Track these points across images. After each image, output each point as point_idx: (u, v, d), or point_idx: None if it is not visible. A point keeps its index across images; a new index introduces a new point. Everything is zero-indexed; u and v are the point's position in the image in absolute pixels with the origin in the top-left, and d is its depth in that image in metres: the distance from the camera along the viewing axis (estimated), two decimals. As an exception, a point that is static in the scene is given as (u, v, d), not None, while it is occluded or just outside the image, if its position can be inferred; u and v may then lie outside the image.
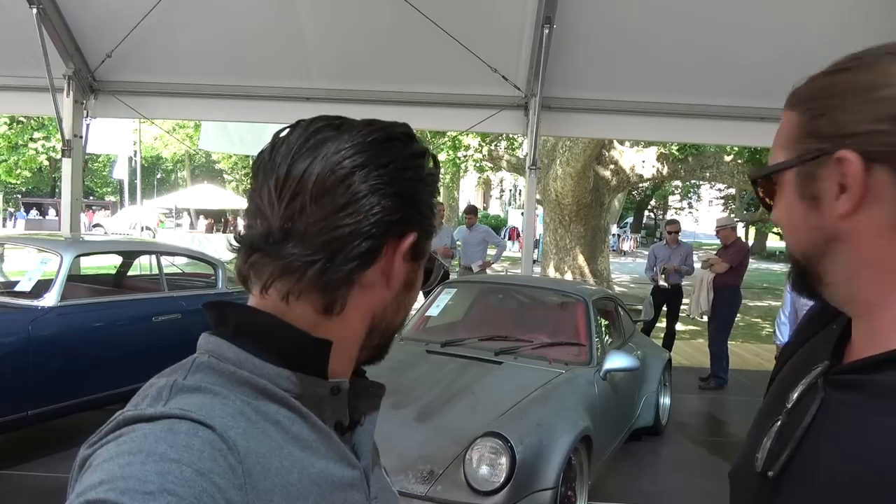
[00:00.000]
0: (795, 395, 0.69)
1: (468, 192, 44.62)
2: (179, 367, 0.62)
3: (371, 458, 0.71)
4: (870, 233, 0.62)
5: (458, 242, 8.84)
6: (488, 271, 8.88)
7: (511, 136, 13.63)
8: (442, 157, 14.34)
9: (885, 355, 0.60)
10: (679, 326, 8.26)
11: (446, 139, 13.29)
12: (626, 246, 31.55)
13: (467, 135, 12.30)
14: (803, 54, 5.01)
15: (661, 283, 7.61)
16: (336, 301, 0.64)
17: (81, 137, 6.59)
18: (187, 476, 0.48)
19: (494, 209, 45.18)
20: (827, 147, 0.63)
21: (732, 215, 28.75)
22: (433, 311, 4.86)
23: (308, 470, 0.60)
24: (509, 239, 28.03)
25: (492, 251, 9.36)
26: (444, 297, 4.95)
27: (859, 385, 0.62)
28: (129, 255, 6.18)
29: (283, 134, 0.66)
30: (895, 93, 0.60)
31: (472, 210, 9.33)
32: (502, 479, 2.83)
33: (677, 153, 11.99)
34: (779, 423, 0.70)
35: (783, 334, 4.76)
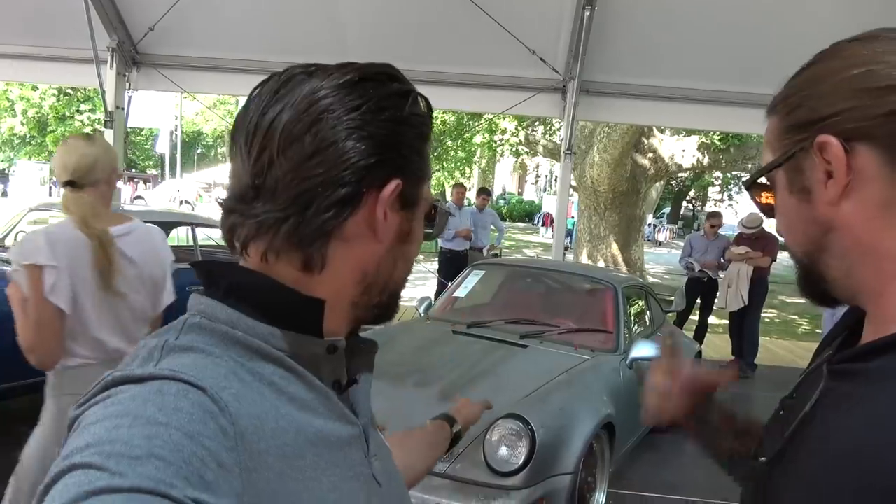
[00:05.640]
0: (796, 385, 0.71)
1: (503, 177, 44.40)
2: (171, 327, 0.61)
3: (369, 417, 0.70)
4: (862, 216, 0.60)
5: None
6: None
7: (547, 120, 13.49)
8: (478, 139, 14.26)
9: (882, 340, 0.59)
10: (713, 320, 8.14)
11: (483, 121, 13.20)
12: (661, 237, 31.04)
13: (504, 118, 12.20)
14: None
15: (697, 271, 7.57)
16: (313, 257, 0.61)
17: (123, 109, 6.72)
18: (176, 440, 0.47)
19: (529, 194, 44.89)
20: (807, 136, 0.62)
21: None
22: (461, 293, 4.86)
23: (305, 430, 0.58)
24: (543, 225, 27.80)
25: (493, 234, 9.41)
26: (473, 279, 4.95)
27: (856, 373, 0.61)
28: (166, 226, 6.30)
29: (257, 87, 0.64)
30: (862, 70, 0.59)
31: (485, 191, 9.31)
32: (521, 461, 2.83)
33: (719, 143, 11.70)
34: (780, 411, 0.71)
35: (826, 328, 4.78)
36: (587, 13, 5.54)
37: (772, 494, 0.65)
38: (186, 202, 25.54)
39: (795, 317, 12.87)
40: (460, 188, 9.02)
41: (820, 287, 0.66)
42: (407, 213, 0.67)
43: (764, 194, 0.71)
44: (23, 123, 25.73)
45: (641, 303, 5.10)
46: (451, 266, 8.00)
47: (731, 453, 0.99)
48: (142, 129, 31.96)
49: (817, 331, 11.29)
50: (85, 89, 22.59)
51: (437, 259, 8.73)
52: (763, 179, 0.71)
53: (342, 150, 0.59)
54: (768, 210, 0.72)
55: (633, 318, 4.69)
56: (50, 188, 31.35)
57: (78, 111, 25.69)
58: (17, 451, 2.01)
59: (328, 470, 0.59)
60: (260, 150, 0.60)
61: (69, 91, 24.75)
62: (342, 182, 0.60)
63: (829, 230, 0.63)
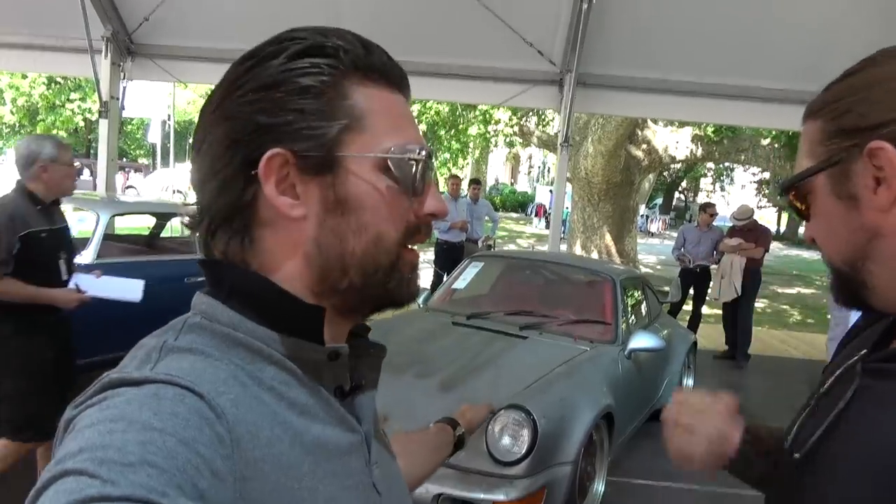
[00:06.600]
0: (829, 382, 0.70)
1: (496, 167, 44.36)
2: (171, 326, 0.60)
3: (372, 423, 0.68)
4: None
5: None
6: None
7: (541, 111, 13.47)
8: (472, 130, 14.23)
9: None
10: (705, 310, 8.20)
11: (477, 113, 13.17)
12: (654, 227, 31.12)
13: (497, 109, 12.17)
14: (847, 38, 4.85)
15: (691, 265, 7.62)
16: (226, 253, 0.62)
17: (118, 99, 6.68)
18: (170, 446, 0.45)
19: (522, 185, 44.89)
20: (857, 142, 0.61)
21: (765, 200, 28.25)
22: (459, 284, 4.88)
23: (303, 437, 0.57)
24: (536, 216, 27.84)
25: (488, 225, 9.48)
26: (472, 271, 4.96)
27: (892, 372, 0.62)
28: (163, 217, 6.29)
29: None
30: None
31: (476, 182, 9.30)
32: (524, 451, 2.86)
33: (712, 135, 11.74)
34: (810, 407, 0.71)
35: (831, 350, 4.77)
36: (584, 5, 5.54)
37: (808, 490, 0.65)
38: (178, 192, 25.37)
39: (787, 307, 12.98)
40: (455, 180, 9.02)
41: (859, 294, 0.66)
42: (326, 178, 0.60)
43: (800, 198, 0.70)
44: (12, 112, 25.46)
45: (638, 294, 5.13)
46: (448, 258, 8.00)
47: (762, 478, 0.89)
48: (132, 119, 31.68)
49: (809, 321, 11.41)
50: (75, 78, 22.36)
51: (432, 250, 8.74)
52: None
53: (210, 141, 0.61)
54: (804, 215, 0.71)
55: (630, 309, 4.73)
56: (40, 178, 31.00)
57: (69, 100, 25.43)
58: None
59: (326, 479, 0.58)
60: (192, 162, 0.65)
61: (59, 80, 24.51)
62: (210, 175, 0.61)
63: (874, 237, 0.62)
